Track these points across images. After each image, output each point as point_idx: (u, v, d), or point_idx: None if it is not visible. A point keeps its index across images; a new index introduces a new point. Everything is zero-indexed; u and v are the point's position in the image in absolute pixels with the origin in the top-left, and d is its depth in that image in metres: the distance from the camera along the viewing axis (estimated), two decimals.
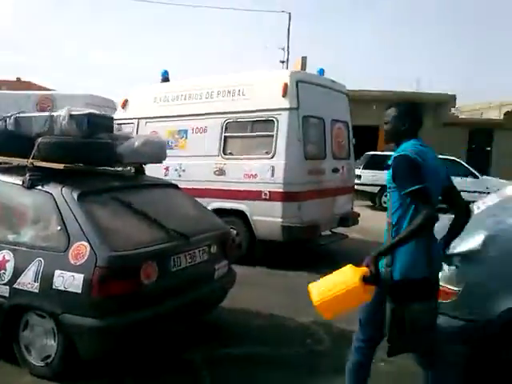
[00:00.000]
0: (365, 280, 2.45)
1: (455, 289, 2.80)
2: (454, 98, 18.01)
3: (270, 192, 6.48)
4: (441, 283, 2.88)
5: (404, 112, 2.74)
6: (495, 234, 2.76)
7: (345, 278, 2.53)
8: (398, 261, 2.55)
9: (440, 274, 2.89)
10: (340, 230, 7.93)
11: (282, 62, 25.52)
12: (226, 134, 6.92)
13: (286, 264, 6.80)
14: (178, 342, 4.11)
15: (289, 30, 20.81)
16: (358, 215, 8.11)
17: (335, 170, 7.34)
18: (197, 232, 4.03)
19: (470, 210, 2.78)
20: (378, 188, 14.20)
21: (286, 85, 6.32)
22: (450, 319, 2.83)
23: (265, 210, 6.55)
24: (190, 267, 3.84)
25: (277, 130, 6.44)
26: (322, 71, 7.44)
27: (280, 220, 6.46)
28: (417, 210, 2.50)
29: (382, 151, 15.52)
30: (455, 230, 2.72)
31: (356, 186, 14.84)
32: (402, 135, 2.73)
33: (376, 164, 14.55)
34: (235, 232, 6.97)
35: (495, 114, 19.80)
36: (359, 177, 14.84)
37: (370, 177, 14.43)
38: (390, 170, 2.63)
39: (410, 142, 2.68)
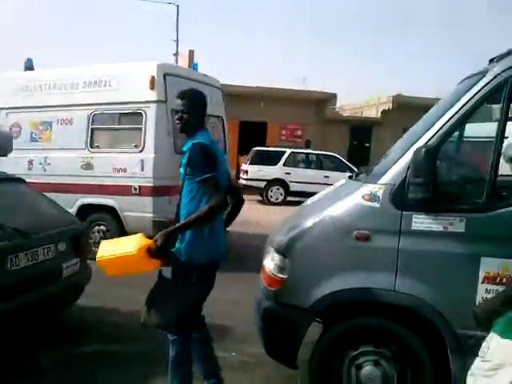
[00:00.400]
0: (149, 252, 2.61)
1: (282, 276, 2.94)
2: (334, 96, 19.08)
3: (139, 186, 6.37)
4: (271, 271, 3.04)
5: (198, 102, 2.85)
6: (311, 226, 2.94)
7: (128, 244, 2.69)
8: (184, 244, 2.73)
9: (270, 261, 3.06)
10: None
11: (175, 54, 25.21)
12: (94, 127, 6.66)
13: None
14: (27, 343, 3.88)
15: (177, 22, 20.53)
16: None
17: None
18: (41, 229, 3.83)
19: (242, 199, 3.12)
20: (265, 183, 14.63)
21: (153, 77, 6.23)
22: (278, 305, 2.98)
23: (135, 204, 6.43)
24: (31, 266, 3.63)
25: (145, 123, 6.33)
26: (195, 66, 7.46)
27: (151, 215, 6.37)
28: (209, 198, 2.67)
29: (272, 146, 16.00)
30: (231, 216, 3.10)
31: (244, 181, 15.31)
32: (198, 126, 2.84)
33: (262, 159, 14.99)
34: (105, 229, 6.77)
35: (373, 112, 21.30)
36: (246, 172, 15.18)
37: (256, 172, 14.79)
38: (185, 158, 2.73)
39: (204, 131, 2.83)
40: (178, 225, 2.72)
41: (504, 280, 2.56)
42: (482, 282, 2.60)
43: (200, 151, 2.70)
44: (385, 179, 2.76)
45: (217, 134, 7.71)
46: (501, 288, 2.55)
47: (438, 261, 2.66)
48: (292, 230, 3.03)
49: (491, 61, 2.78)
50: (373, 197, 2.75)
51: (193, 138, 2.77)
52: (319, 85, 40.15)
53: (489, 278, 2.59)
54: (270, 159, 14.89)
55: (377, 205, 2.73)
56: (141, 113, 6.36)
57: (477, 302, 2.59)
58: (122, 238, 2.91)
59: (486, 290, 2.60)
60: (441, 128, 2.65)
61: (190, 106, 2.77)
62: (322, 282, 2.83)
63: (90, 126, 6.66)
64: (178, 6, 20.36)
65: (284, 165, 14.81)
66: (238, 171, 16.33)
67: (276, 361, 3.13)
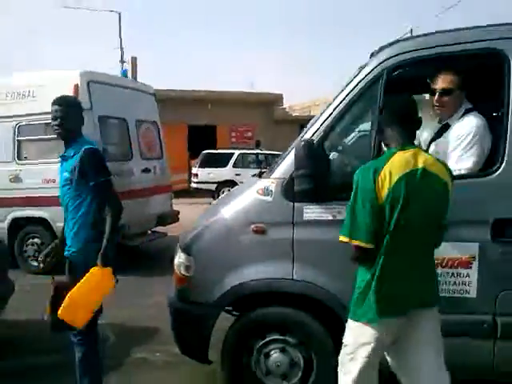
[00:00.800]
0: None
1: (188, 275, 2.99)
2: (281, 97, 19.30)
3: None
4: (178, 270, 3.08)
5: (76, 109, 2.91)
6: (212, 223, 3.01)
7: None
8: (81, 246, 2.84)
9: (177, 260, 3.11)
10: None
11: (122, 62, 24.90)
12: (20, 138, 6.52)
13: None
14: None
15: (120, 29, 20.27)
16: (178, 213, 8.23)
17: (146, 171, 7.36)
18: None
19: None
20: (216, 185, 14.65)
21: (76, 86, 6.14)
22: (185, 303, 3.02)
23: None
24: None
25: None
26: (125, 72, 7.43)
27: None
28: (101, 202, 2.78)
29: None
30: None
31: (194, 185, 15.30)
32: (78, 132, 2.89)
33: (212, 162, 15.02)
34: (40, 241, 6.63)
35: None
36: (196, 175, 15.17)
37: (206, 175, 14.82)
38: (71, 165, 2.77)
39: (83, 138, 2.89)
40: (106, 242, 2.76)
41: None
42: None
43: (94, 155, 2.79)
44: (277, 173, 2.85)
45: (152, 139, 7.71)
46: None
47: (330, 248, 2.75)
48: (195, 228, 3.09)
49: (372, 54, 2.90)
50: (266, 191, 2.83)
51: (77, 144, 2.82)
52: (268, 88, 40.59)
53: None
54: (220, 161, 14.95)
55: (270, 198, 2.81)
56: None
57: None
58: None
59: None
60: (324, 122, 2.76)
61: (67, 112, 2.81)
62: (225, 278, 2.89)
63: (16, 138, 6.51)
64: (119, 13, 20.08)
65: (233, 166, 14.90)
66: (190, 175, 16.32)
67: (189, 358, 3.17)
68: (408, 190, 2.03)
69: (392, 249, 2.08)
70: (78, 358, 2.87)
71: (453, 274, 2.62)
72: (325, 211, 2.73)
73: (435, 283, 2.28)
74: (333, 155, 2.90)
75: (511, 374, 2.69)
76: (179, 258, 3.08)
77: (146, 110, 7.56)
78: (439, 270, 2.61)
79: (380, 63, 2.67)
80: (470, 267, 2.60)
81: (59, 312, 2.67)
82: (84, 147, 2.76)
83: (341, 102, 2.73)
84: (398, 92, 3.43)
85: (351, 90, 2.73)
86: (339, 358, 2.31)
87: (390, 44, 2.73)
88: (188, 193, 15.32)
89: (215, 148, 16.97)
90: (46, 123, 6.42)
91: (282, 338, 2.89)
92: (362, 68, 2.79)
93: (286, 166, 2.82)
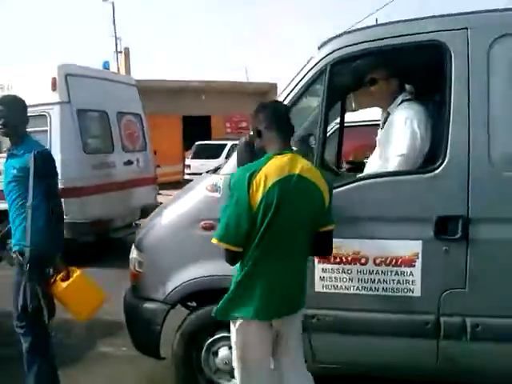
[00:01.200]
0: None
1: (140, 270, 3.00)
2: (275, 86, 19.07)
3: None
4: (132, 265, 3.09)
5: (19, 108, 2.96)
6: (162, 219, 3.02)
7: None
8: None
9: (132, 256, 3.12)
10: None
11: (119, 52, 24.82)
12: None
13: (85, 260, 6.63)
14: None
15: (114, 19, 20.15)
16: None
17: (128, 163, 7.35)
18: None
19: None
20: None
21: (54, 79, 6.14)
22: (137, 299, 3.03)
23: None
24: None
25: (50, 125, 6.24)
26: (106, 64, 7.37)
27: None
28: (48, 201, 2.88)
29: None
30: None
31: (187, 176, 15.29)
32: (22, 131, 2.97)
33: (205, 153, 14.98)
34: None
35: None
36: (189, 167, 15.17)
37: (199, 166, 14.77)
38: (21, 164, 2.85)
39: (30, 137, 3.02)
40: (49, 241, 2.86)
41: (338, 259, 2.68)
42: (319, 262, 2.71)
43: (47, 158, 2.95)
44: (225, 169, 2.84)
45: (134, 131, 7.68)
46: (337, 267, 2.69)
47: None
48: (147, 224, 3.09)
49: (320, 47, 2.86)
50: (215, 187, 2.82)
51: (26, 144, 2.91)
52: (262, 74, 39.98)
53: (324, 257, 2.69)
54: (213, 153, 14.90)
55: (218, 195, 2.80)
56: (45, 115, 6.25)
57: (316, 281, 2.72)
58: None
59: (323, 269, 2.71)
60: None
61: (8, 111, 2.86)
62: (174, 274, 2.88)
63: None
64: (113, 2, 19.93)
65: (226, 157, 14.83)
66: (184, 166, 16.33)
67: (142, 353, 3.18)
68: (281, 196, 2.02)
69: (263, 252, 2.08)
70: (25, 348, 2.92)
71: (396, 272, 2.60)
72: None
73: (305, 288, 2.31)
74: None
75: (455, 375, 2.68)
76: (132, 254, 3.10)
77: (128, 102, 7.52)
78: (382, 268, 2.62)
79: (324, 57, 2.62)
80: (414, 265, 2.57)
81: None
82: (37, 149, 2.89)
83: (285, 99, 2.69)
84: (345, 86, 3.44)
85: (296, 85, 2.69)
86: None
87: (335, 37, 2.69)
88: (182, 184, 15.32)
89: (210, 139, 16.93)
90: None
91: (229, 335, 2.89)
92: (308, 62, 2.76)
93: (233, 162, 2.79)
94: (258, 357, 2.21)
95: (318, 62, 2.65)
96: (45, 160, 2.90)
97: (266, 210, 2.02)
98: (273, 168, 2.05)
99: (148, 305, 2.97)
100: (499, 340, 2.52)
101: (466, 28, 2.44)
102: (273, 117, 2.19)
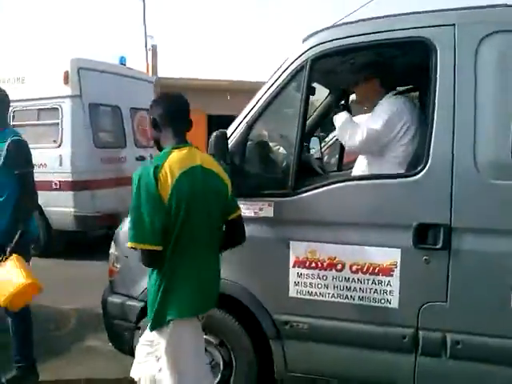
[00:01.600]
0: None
1: (117, 266, 2.95)
2: None
3: (59, 182, 6.36)
4: (111, 261, 3.06)
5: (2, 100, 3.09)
6: None
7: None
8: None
9: (110, 252, 3.08)
10: None
11: (150, 48, 25.13)
12: (14, 123, 6.61)
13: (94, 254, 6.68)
14: None
15: (144, 16, 20.28)
16: None
17: (141, 158, 7.36)
18: None
19: None
20: None
21: (66, 72, 6.21)
22: (113, 295, 2.99)
23: (57, 200, 6.40)
24: None
25: (62, 118, 6.32)
26: (123, 59, 7.39)
27: (72, 210, 6.36)
28: (21, 190, 2.90)
29: None
30: None
31: None
32: (2, 120, 3.05)
33: None
34: None
35: None
36: None
37: None
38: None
39: (12, 129, 3.11)
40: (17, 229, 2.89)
41: (313, 264, 2.56)
42: (293, 266, 2.60)
43: (22, 147, 2.97)
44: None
45: (147, 127, 7.69)
46: (312, 272, 2.56)
47: (251, 246, 2.65)
48: (124, 220, 3.04)
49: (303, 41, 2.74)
50: None
51: (3, 133, 2.97)
52: None
53: (299, 262, 2.58)
54: None
55: None
56: (57, 108, 6.34)
57: (290, 286, 2.60)
58: None
59: (298, 273, 2.59)
60: (247, 115, 2.66)
61: None
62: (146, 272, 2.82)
63: (11, 123, 6.62)
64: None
65: None
66: None
67: (117, 349, 3.13)
68: (191, 187, 1.97)
69: (180, 249, 1.99)
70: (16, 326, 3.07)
71: (373, 281, 2.45)
72: (246, 207, 2.60)
73: (219, 287, 2.24)
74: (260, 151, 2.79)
75: None
76: (111, 249, 3.07)
77: (142, 98, 7.52)
78: (359, 276, 2.48)
79: (304, 52, 2.50)
80: (392, 275, 2.42)
81: None
82: (12, 137, 2.92)
83: (263, 95, 2.61)
84: (326, 83, 3.30)
85: (275, 81, 2.60)
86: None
87: (318, 31, 2.57)
88: None
89: None
90: (37, 109, 6.57)
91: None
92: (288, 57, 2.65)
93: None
94: (193, 357, 2.12)
95: (298, 58, 2.54)
96: (18, 148, 2.92)
97: (178, 203, 1.94)
98: (176, 160, 1.99)
99: (123, 301, 2.92)
100: (481, 360, 2.34)
101: (454, 24, 2.28)
102: (172, 109, 2.12)
